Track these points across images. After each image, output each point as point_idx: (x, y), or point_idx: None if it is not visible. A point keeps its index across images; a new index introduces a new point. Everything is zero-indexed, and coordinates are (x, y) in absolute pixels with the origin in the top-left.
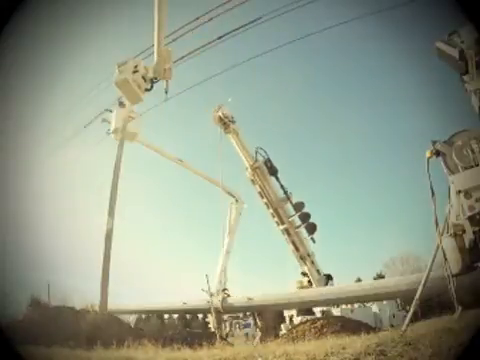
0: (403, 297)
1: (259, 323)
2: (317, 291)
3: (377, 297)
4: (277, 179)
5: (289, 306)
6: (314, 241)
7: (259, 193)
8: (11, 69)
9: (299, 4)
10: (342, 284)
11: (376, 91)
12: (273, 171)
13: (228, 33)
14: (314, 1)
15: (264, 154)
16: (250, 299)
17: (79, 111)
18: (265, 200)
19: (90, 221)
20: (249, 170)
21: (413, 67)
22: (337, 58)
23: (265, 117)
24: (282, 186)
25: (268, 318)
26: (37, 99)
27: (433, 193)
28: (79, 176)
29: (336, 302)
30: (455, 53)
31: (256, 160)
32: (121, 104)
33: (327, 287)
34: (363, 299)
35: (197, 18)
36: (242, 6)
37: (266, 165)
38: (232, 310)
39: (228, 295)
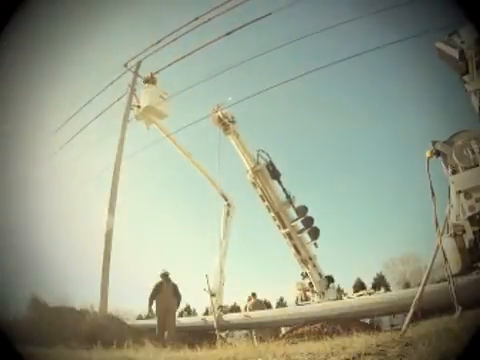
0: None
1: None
2: (319, 307)
3: (383, 312)
4: (279, 182)
5: (289, 323)
6: (317, 246)
7: (260, 196)
8: (10, 70)
9: (299, 3)
10: (346, 299)
11: (376, 91)
12: (275, 174)
13: (228, 33)
14: (314, 1)
15: (266, 157)
16: (247, 316)
17: (79, 111)
18: (266, 203)
19: (90, 221)
20: (250, 173)
21: (413, 67)
22: (337, 58)
23: (265, 116)
24: (284, 190)
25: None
26: (37, 99)
27: (433, 193)
28: (80, 176)
29: (339, 317)
30: (455, 53)
31: (257, 163)
32: (152, 81)
33: (329, 302)
34: (368, 314)
35: (196, 18)
36: (241, 6)
37: (268, 168)
38: (228, 327)
39: (224, 312)
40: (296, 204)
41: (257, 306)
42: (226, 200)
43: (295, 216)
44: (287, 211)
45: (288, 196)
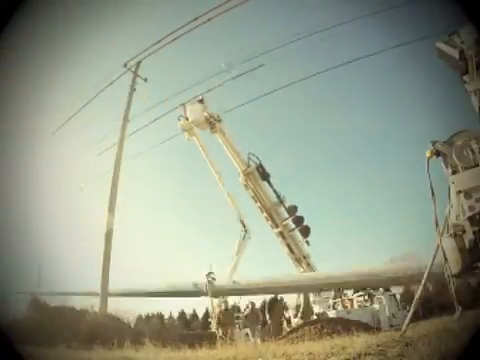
0: (402, 284)
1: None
2: (305, 276)
3: (374, 284)
4: (269, 184)
5: (277, 291)
6: (308, 244)
7: (252, 198)
8: (10, 70)
9: (299, 4)
10: (340, 268)
11: (376, 91)
12: (265, 176)
13: (226, 33)
14: (314, 1)
15: (256, 160)
16: (236, 282)
17: (80, 111)
18: (258, 204)
19: (90, 221)
20: (242, 175)
21: (413, 67)
22: (337, 58)
23: (265, 114)
24: (275, 191)
25: (276, 317)
26: (37, 99)
27: (433, 193)
28: (80, 175)
29: (330, 287)
30: (455, 53)
31: (248, 165)
32: (200, 101)
33: (323, 272)
34: (358, 285)
35: (196, 18)
36: (240, 7)
37: (258, 170)
38: (219, 293)
39: (213, 278)
40: (287, 204)
41: (252, 315)
42: (244, 226)
43: (286, 216)
44: (278, 211)
45: (278, 196)
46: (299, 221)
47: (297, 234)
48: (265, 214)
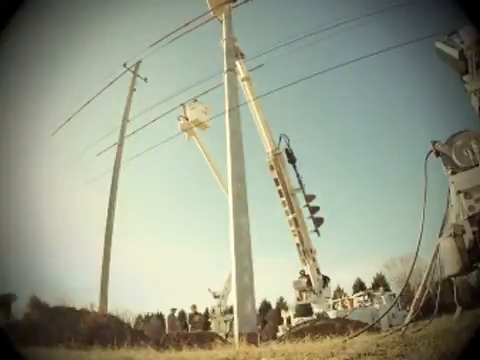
0: None
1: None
2: None
3: None
4: (295, 167)
5: None
6: (319, 234)
7: (275, 180)
8: (10, 70)
9: (299, 4)
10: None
11: (376, 91)
12: (292, 159)
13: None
14: (314, 1)
15: (287, 141)
16: None
17: (80, 111)
18: (280, 187)
19: (90, 221)
20: (270, 155)
21: (413, 67)
22: (337, 58)
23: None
24: (298, 175)
25: (268, 318)
26: (37, 99)
27: (425, 197)
28: (79, 175)
29: None
30: (455, 53)
31: (278, 147)
32: (195, 101)
33: None
34: None
35: (197, 18)
36: (240, 7)
37: (287, 152)
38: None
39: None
40: (306, 191)
41: (196, 318)
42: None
43: (304, 203)
44: (297, 196)
45: (300, 182)
46: (315, 210)
47: (309, 225)
48: (284, 198)
